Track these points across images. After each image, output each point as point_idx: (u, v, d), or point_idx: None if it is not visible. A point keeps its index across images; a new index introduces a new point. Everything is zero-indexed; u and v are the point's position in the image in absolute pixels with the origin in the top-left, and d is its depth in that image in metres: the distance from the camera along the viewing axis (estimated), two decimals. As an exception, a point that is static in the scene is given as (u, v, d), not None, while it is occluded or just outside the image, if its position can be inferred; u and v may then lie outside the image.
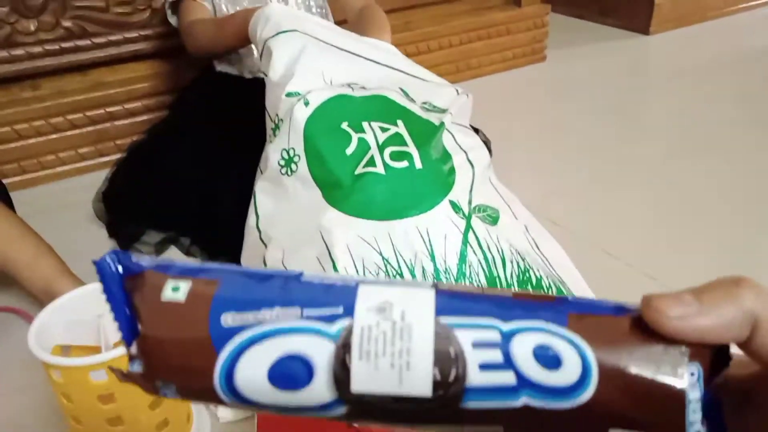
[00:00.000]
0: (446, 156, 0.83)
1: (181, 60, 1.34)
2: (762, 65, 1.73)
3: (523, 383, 0.21)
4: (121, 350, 0.59)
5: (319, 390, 0.22)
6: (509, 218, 0.79)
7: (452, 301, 0.22)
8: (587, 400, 0.21)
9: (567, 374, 0.21)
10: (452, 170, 0.81)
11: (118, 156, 1.24)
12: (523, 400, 0.21)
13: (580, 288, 0.78)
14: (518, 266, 0.74)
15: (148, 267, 0.24)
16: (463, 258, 0.73)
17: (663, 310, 0.21)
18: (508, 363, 0.21)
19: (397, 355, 0.21)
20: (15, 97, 1.27)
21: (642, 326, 0.22)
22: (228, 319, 0.22)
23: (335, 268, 0.72)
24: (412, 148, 0.80)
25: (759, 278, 0.22)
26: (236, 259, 0.90)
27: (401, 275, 0.71)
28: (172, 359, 0.22)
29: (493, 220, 0.77)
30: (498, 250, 0.74)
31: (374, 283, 0.23)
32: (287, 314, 0.22)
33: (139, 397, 0.63)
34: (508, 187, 0.88)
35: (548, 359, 0.21)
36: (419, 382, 0.21)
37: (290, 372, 0.22)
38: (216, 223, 0.99)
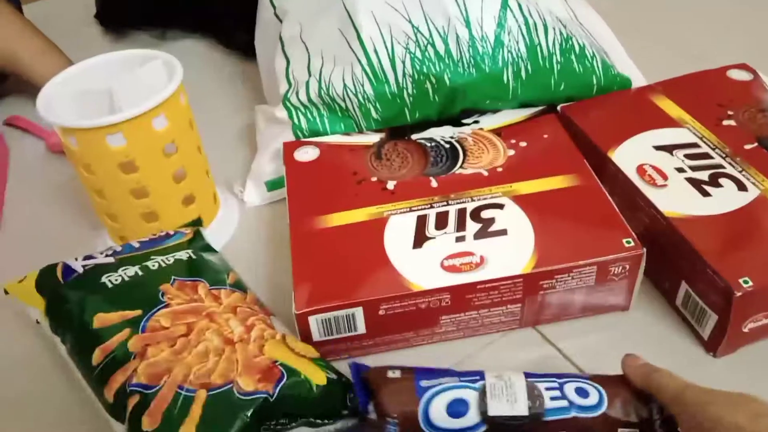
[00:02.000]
0: None
1: None
2: None
3: (571, 405, 0.43)
4: (138, 109, 0.56)
5: (472, 417, 0.42)
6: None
7: (536, 374, 0.45)
8: (603, 412, 0.42)
9: (592, 399, 0.43)
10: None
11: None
12: (572, 414, 0.42)
13: (622, 60, 0.74)
14: (561, 33, 0.68)
15: (375, 367, 0.46)
16: (501, 24, 0.66)
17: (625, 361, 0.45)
18: (563, 396, 0.43)
19: (509, 395, 0.43)
20: None
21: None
22: (424, 383, 0.44)
23: (360, 39, 0.66)
24: None
25: None
26: (249, 48, 0.84)
27: (433, 45, 0.66)
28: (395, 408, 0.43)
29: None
30: (540, 16, 0.68)
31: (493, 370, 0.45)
32: (452, 380, 0.44)
33: (162, 167, 0.60)
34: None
35: (582, 393, 0.43)
36: (520, 408, 0.42)
37: (457, 408, 0.42)
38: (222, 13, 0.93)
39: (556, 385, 0.43)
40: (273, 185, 0.69)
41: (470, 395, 0.43)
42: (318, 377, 0.45)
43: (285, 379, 0.43)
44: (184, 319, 0.47)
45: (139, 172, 0.59)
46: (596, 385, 0.44)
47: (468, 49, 0.66)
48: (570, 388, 0.43)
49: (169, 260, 0.53)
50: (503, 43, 0.67)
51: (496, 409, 0.42)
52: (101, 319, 0.48)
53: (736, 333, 0.50)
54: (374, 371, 0.45)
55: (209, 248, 0.58)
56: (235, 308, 0.49)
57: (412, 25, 0.67)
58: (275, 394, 0.42)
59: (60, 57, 0.86)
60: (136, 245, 0.55)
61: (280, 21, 0.73)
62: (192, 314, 0.47)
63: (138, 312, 0.48)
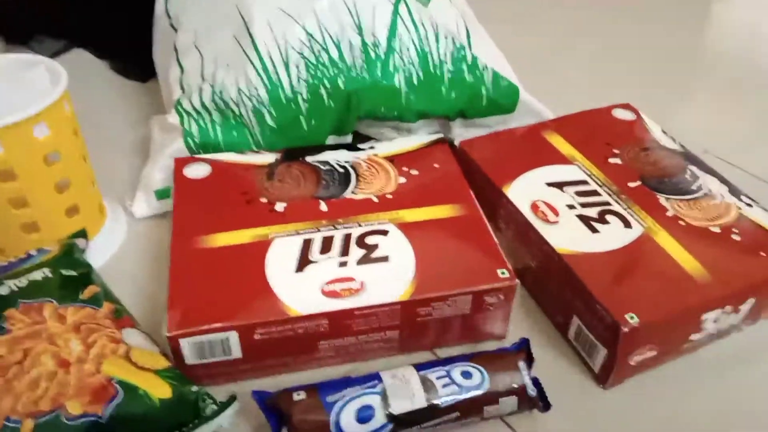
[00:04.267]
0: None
1: None
2: None
3: (461, 388, 0.48)
4: (17, 116, 0.54)
5: (379, 419, 0.46)
6: (443, 2, 0.74)
7: (424, 365, 0.50)
8: (486, 391, 0.48)
9: (475, 380, 0.49)
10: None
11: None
12: (462, 396, 0.48)
13: (511, 75, 0.76)
14: (453, 42, 0.71)
15: (278, 392, 0.48)
16: (393, 31, 0.68)
17: None
18: (452, 381, 0.48)
19: (407, 391, 0.47)
20: None
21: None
22: (329, 399, 0.47)
23: (255, 45, 0.66)
24: None
25: None
26: (144, 62, 0.82)
27: (327, 51, 0.67)
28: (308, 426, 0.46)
29: (426, 1, 0.72)
30: (432, 26, 0.70)
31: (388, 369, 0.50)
32: (354, 389, 0.47)
33: (43, 176, 0.58)
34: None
35: (467, 375, 0.49)
36: (419, 401, 0.47)
37: (365, 414, 0.46)
38: (122, 28, 0.90)
39: (444, 372, 0.49)
40: (162, 194, 0.68)
41: (374, 400, 0.47)
42: (161, 390, 0.44)
43: (119, 397, 0.42)
44: (21, 345, 0.46)
45: (18, 180, 0.56)
46: (477, 366, 0.50)
47: (361, 55, 0.68)
48: (456, 373, 0.49)
49: (21, 283, 0.51)
50: (394, 49, 0.68)
51: (399, 408, 0.47)
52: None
53: (624, 365, 0.52)
54: (279, 396, 0.47)
55: (76, 262, 0.56)
56: (79, 326, 0.47)
57: (306, 32, 0.68)
58: (106, 416, 0.41)
59: None
60: None
61: (175, 30, 0.72)
62: (31, 339, 0.46)
63: (-26, 342, 0.46)
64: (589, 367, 0.55)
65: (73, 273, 0.54)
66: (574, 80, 0.95)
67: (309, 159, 0.66)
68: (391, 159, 0.66)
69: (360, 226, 0.57)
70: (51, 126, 0.56)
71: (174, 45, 0.71)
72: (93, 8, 0.93)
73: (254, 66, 0.66)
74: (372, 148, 0.68)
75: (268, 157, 0.66)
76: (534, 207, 0.61)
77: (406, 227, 0.57)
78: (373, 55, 0.67)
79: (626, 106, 0.74)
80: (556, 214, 0.60)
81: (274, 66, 0.66)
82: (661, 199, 0.62)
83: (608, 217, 0.59)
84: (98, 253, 0.63)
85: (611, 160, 0.66)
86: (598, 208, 0.60)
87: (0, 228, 0.59)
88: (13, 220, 0.58)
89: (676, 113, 0.88)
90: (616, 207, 0.60)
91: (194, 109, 0.67)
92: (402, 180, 0.63)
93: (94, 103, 0.86)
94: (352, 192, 0.61)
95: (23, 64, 0.61)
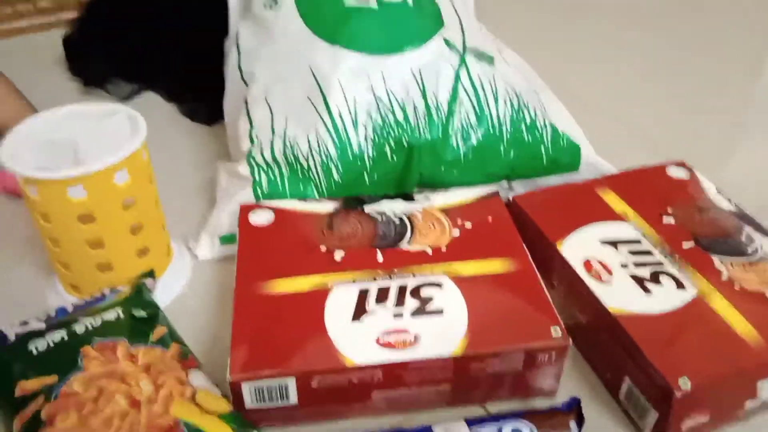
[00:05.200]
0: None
1: None
2: None
3: None
4: (102, 163, 0.58)
5: None
6: (504, 64, 0.77)
7: (475, 420, 0.51)
8: None
9: None
10: (440, 11, 0.78)
11: (78, 12, 1.17)
12: None
13: (572, 132, 0.78)
14: (512, 105, 0.73)
15: None
16: (455, 95, 0.71)
17: None
18: None
19: None
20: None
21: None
22: None
23: (327, 105, 0.70)
24: None
25: None
26: (211, 106, 0.87)
27: (393, 113, 0.70)
28: None
29: (489, 60, 0.75)
30: (492, 88, 0.73)
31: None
32: None
33: (119, 219, 0.61)
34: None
35: None
36: None
37: None
38: (192, 74, 0.96)
39: (495, 428, 0.50)
40: (226, 239, 0.71)
41: None
42: (222, 434, 0.46)
43: (185, 439, 0.44)
44: (97, 383, 0.48)
45: (97, 223, 0.60)
46: (529, 423, 0.50)
47: (424, 117, 0.71)
48: (507, 429, 0.50)
49: (96, 321, 0.54)
50: (455, 112, 0.71)
51: None
52: (22, 387, 0.49)
53: (675, 430, 0.52)
54: None
55: (146, 303, 0.59)
56: (149, 367, 0.50)
57: (375, 95, 0.71)
58: (173, 457, 0.44)
59: (21, 102, 0.86)
60: (70, 309, 0.57)
61: (246, 84, 0.76)
62: (106, 377, 0.49)
63: (54, 378, 0.49)
64: (639, 428, 0.55)
65: (143, 314, 0.57)
66: (633, 126, 0.95)
67: (367, 208, 0.68)
68: (446, 211, 0.68)
69: (414, 276, 0.59)
70: (130, 173, 0.60)
71: (245, 98, 0.75)
72: (164, 55, 0.98)
73: (325, 124, 0.69)
74: (427, 198, 0.70)
75: (327, 206, 0.69)
76: (587, 265, 0.61)
77: (459, 281, 0.59)
78: (435, 117, 0.70)
79: (681, 164, 0.75)
80: (610, 273, 0.61)
81: (344, 124, 0.69)
82: (716, 260, 0.62)
83: (662, 278, 0.60)
84: (164, 293, 0.66)
85: (665, 220, 0.67)
86: (652, 269, 0.61)
87: (76, 266, 0.63)
88: (89, 260, 0.62)
89: (734, 161, 0.88)
90: (669, 268, 0.61)
91: (265, 161, 0.71)
92: (456, 232, 0.65)
93: (162, 144, 0.90)
94: (408, 243, 0.63)
95: (106, 112, 0.65)
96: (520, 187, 0.76)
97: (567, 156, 0.75)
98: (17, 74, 0.91)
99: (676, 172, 0.74)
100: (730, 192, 0.72)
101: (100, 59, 1.02)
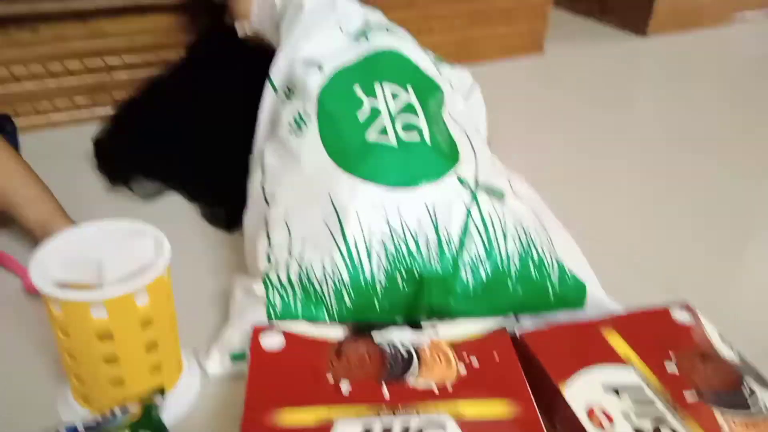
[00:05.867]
0: (447, 130, 0.85)
1: (186, 16, 1.33)
2: (749, 75, 1.77)
3: None
4: (125, 288, 0.61)
5: None
6: (514, 198, 0.80)
7: None
8: None
9: None
10: (456, 146, 0.83)
11: (112, 109, 1.23)
12: None
13: (586, 274, 0.80)
14: (520, 243, 0.76)
15: None
16: (465, 231, 0.74)
17: None
18: None
19: None
20: (13, 38, 1.25)
21: None
22: None
23: (343, 233, 0.73)
24: (422, 122, 0.81)
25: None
26: (232, 212, 0.90)
27: (406, 243, 0.73)
28: None
29: (500, 195, 0.79)
30: (501, 226, 0.76)
31: None
32: None
33: (137, 338, 0.63)
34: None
35: None
36: None
37: None
38: (213, 181, 1.00)
39: None
40: (236, 357, 0.73)
41: None
42: None
43: None
44: None
45: (115, 341, 0.62)
46: None
47: (435, 249, 0.73)
48: None
49: None
50: (465, 245, 0.74)
51: None
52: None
53: None
54: None
55: (155, 425, 0.60)
56: None
57: (389, 226, 0.74)
58: None
59: (51, 203, 0.89)
60: (81, 429, 0.58)
61: (268, 203, 0.79)
62: None
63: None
64: None
65: (150, 434, 0.58)
66: (641, 257, 0.97)
67: (375, 335, 0.70)
68: (453, 345, 0.69)
69: (419, 415, 0.60)
70: (151, 295, 0.63)
71: (265, 217, 0.78)
72: (190, 158, 1.03)
73: (340, 250, 0.72)
74: (435, 328, 0.71)
75: (337, 331, 0.70)
76: (590, 413, 0.62)
77: (463, 424, 0.60)
78: (446, 250, 0.73)
79: (685, 307, 0.76)
80: (611, 421, 0.61)
81: (358, 252, 0.72)
82: (718, 415, 0.62)
83: (663, 430, 0.61)
84: (173, 408, 0.67)
85: (668, 367, 0.68)
86: (653, 421, 0.62)
87: (90, 380, 0.65)
88: (103, 375, 0.64)
89: (741, 298, 0.90)
90: (671, 420, 0.61)
91: (280, 283, 0.73)
92: (462, 369, 0.66)
93: (180, 246, 0.93)
94: (414, 376, 0.65)
95: (133, 232, 0.68)
96: (526, 319, 0.78)
97: (573, 293, 0.77)
98: (50, 167, 0.95)
99: (680, 316, 0.75)
100: (736, 331, 0.73)
101: (126, 159, 1.07)
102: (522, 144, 1.32)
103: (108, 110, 1.26)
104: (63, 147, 1.21)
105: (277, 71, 0.92)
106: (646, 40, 2.01)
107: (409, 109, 0.83)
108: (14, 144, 1.01)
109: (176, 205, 1.06)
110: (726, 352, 0.71)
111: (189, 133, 1.04)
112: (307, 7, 0.97)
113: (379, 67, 0.88)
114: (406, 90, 0.84)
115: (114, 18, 1.31)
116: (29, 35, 1.26)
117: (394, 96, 0.83)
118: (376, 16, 1.02)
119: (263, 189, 0.81)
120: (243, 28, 1.11)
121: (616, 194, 1.16)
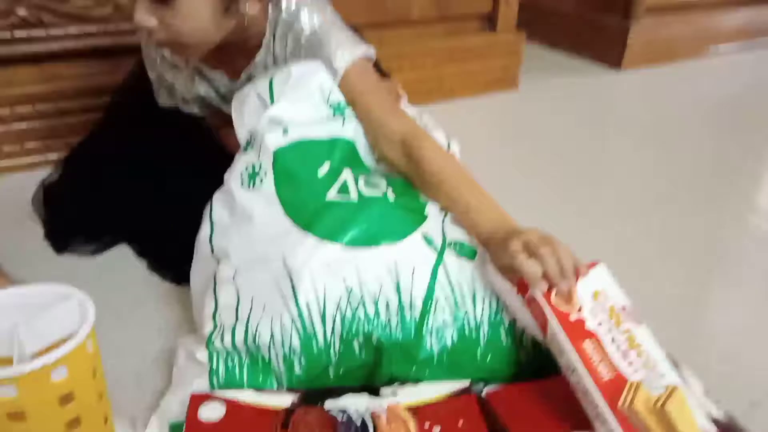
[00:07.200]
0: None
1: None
2: (724, 108, 1.75)
3: None
4: (37, 363, 0.54)
5: None
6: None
7: None
8: None
9: None
10: (424, 204, 0.77)
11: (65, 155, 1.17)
12: None
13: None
14: (490, 306, 0.69)
15: None
16: (430, 294, 0.68)
17: None
18: None
19: None
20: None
21: None
22: None
23: (295, 296, 0.67)
24: (385, 182, 0.77)
25: None
26: (182, 272, 0.84)
27: (364, 306, 0.66)
28: None
29: (472, 254, 0.72)
30: (470, 287, 0.70)
31: None
32: None
33: (54, 417, 0.57)
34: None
35: None
36: None
37: None
38: (161, 235, 0.94)
39: None
40: (175, 428, 0.66)
41: None
42: None
43: None
44: None
45: (28, 421, 0.55)
46: None
47: (396, 315, 0.67)
48: None
49: None
50: (430, 312, 0.67)
51: None
52: None
53: None
54: None
55: None
56: None
57: (346, 287, 0.68)
58: None
59: None
60: None
61: (217, 261, 0.73)
62: None
63: None
64: None
65: None
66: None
67: (328, 405, 0.63)
68: (414, 410, 0.63)
69: (372, 497, 0.54)
70: (70, 368, 0.56)
71: (213, 275, 0.72)
72: (138, 211, 0.97)
73: (290, 313, 0.66)
74: (394, 394, 0.65)
75: (285, 399, 0.64)
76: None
77: (420, 507, 0.53)
78: (407, 315, 0.67)
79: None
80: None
81: (311, 316, 0.66)
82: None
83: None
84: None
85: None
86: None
87: (5, 463, 0.58)
88: (18, 457, 0.57)
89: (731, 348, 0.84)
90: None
91: (225, 348, 0.67)
92: (422, 440, 0.60)
93: (126, 300, 0.87)
94: (368, 450, 0.58)
95: (57, 296, 0.61)
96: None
97: (547, 360, 0.70)
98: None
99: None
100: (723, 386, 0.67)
101: (68, 220, 1.00)
102: (495, 184, 1.27)
103: (59, 155, 1.21)
104: (12, 193, 1.15)
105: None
106: (620, 73, 2.00)
107: (374, 173, 0.78)
108: None
109: (127, 255, 0.99)
110: (712, 409, 0.65)
111: (137, 184, 0.98)
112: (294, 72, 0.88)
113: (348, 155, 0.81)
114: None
115: (69, 61, 1.26)
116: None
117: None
118: None
119: (212, 244, 0.75)
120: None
121: (590, 236, 1.12)
